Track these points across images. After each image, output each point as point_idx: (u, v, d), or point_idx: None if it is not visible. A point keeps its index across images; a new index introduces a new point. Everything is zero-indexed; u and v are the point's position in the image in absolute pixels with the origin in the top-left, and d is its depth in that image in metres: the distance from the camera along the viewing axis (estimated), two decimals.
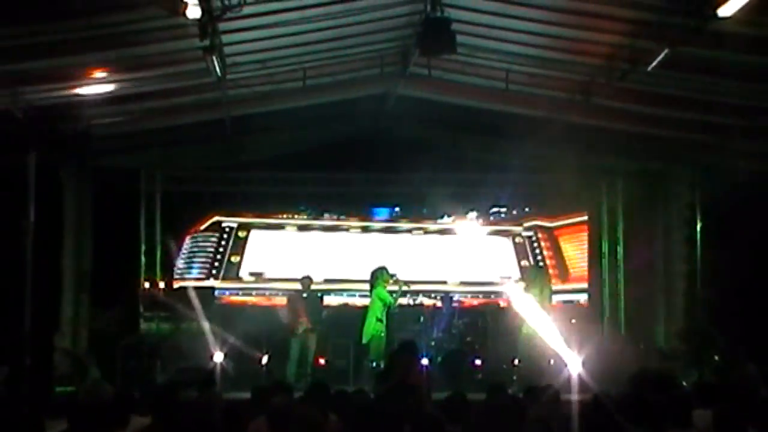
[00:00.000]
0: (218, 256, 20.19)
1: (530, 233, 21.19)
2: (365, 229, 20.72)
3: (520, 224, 21.21)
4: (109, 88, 14.43)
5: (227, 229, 20.40)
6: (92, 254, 17.98)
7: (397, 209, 20.89)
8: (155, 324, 17.86)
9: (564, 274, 20.61)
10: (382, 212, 20.80)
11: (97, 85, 14.24)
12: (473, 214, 20.62)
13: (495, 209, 21.04)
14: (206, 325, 17.62)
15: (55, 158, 16.17)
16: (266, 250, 20.49)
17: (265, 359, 16.76)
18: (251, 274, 20.14)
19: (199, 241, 20.15)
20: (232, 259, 20.20)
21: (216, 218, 20.37)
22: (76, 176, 17.73)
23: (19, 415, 6.30)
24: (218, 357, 16.55)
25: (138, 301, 18.23)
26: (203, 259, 20.02)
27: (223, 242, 20.34)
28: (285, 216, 20.58)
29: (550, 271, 20.56)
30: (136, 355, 16.35)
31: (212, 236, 20.21)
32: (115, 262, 17.95)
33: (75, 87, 14.09)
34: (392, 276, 16.65)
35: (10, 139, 13.90)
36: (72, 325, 17.57)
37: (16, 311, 13.53)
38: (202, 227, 20.28)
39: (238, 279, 20.14)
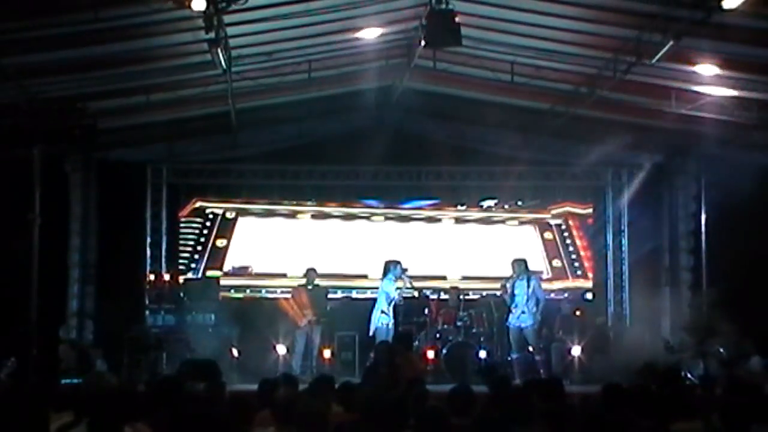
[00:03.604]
0: (198, 247, 19.48)
1: (559, 221, 20.22)
2: (373, 218, 20.22)
3: (548, 211, 20.15)
4: (115, 80, 14.46)
5: (211, 216, 19.58)
6: (98, 247, 18.03)
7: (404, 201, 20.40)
8: (161, 316, 17.85)
9: None
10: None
11: (103, 78, 14.27)
12: (490, 203, 20.20)
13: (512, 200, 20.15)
14: (212, 317, 17.66)
15: (60, 151, 16.20)
16: (255, 240, 19.71)
17: (282, 350, 16.77)
18: (235, 268, 19.49)
19: (180, 229, 19.51)
20: (217, 246, 19.51)
21: (199, 204, 19.54)
22: (82, 169, 17.78)
23: (25, 407, 6.31)
24: (233, 354, 16.55)
25: (144, 293, 18.22)
26: (183, 248, 19.45)
27: (205, 231, 19.52)
28: (281, 202, 19.78)
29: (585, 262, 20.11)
30: (141, 347, 16.35)
31: (193, 223, 19.51)
32: (121, 254, 17.97)
33: (81, 80, 14.12)
34: (405, 270, 16.64)
35: (16, 132, 13.86)
36: (78, 318, 17.64)
37: (22, 304, 13.52)
38: (185, 213, 19.47)
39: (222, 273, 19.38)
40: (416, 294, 17.97)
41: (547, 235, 20.16)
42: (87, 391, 8.12)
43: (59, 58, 13.17)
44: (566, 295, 19.39)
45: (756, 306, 15.87)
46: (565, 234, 20.17)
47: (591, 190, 20.18)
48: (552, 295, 18.68)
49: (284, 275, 19.23)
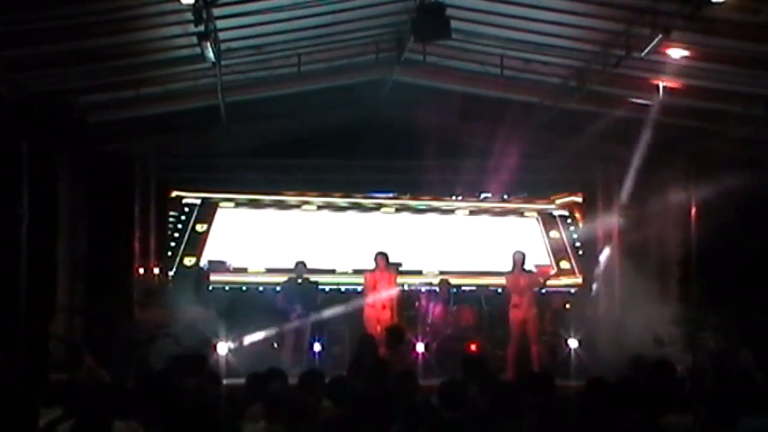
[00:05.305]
0: (175, 234, 19.51)
1: (563, 211, 20.31)
2: (364, 208, 20.16)
3: (552, 201, 20.24)
4: (104, 74, 14.43)
5: (187, 207, 19.60)
6: (87, 241, 17.96)
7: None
8: (150, 311, 17.81)
9: None
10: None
11: (92, 72, 14.24)
12: (486, 195, 20.10)
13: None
14: (201, 311, 17.63)
15: (49, 145, 16.12)
16: (234, 234, 19.71)
17: (274, 345, 16.78)
18: (210, 262, 19.44)
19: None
20: (192, 241, 19.52)
21: (175, 193, 19.47)
22: (71, 163, 17.71)
23: (13, 403, 6.29)
24: (222, 348, 16.46)
25: (133, 288, 18.19)
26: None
27: (180, 223, 19.47)
28: (264, 192, 19.84)
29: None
30: (131, 342, 16.31)
31: (170, 215, 19.48)
32: (110, 249, 17.92)
33: (70, 74, 14.08)
34: (397, 266, 16.65)
35: (4, 126, 13.86)
36: (67, 313, 17.56)
37: (11, 298, 13.50)
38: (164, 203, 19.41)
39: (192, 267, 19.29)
40: (405, 287, 18.00)
41: (552, 228, 20.09)
42: (79, 386, 8.12)
43: (48, 52, 13.11)
44: (573, 290, 19.38)
45: (745, 298, 15.90)
46: (569, 224, 20.06)
47: (580, 184, 20.19)
48: (571, 291, 18.73)
49: (272, 271, 19.19)
